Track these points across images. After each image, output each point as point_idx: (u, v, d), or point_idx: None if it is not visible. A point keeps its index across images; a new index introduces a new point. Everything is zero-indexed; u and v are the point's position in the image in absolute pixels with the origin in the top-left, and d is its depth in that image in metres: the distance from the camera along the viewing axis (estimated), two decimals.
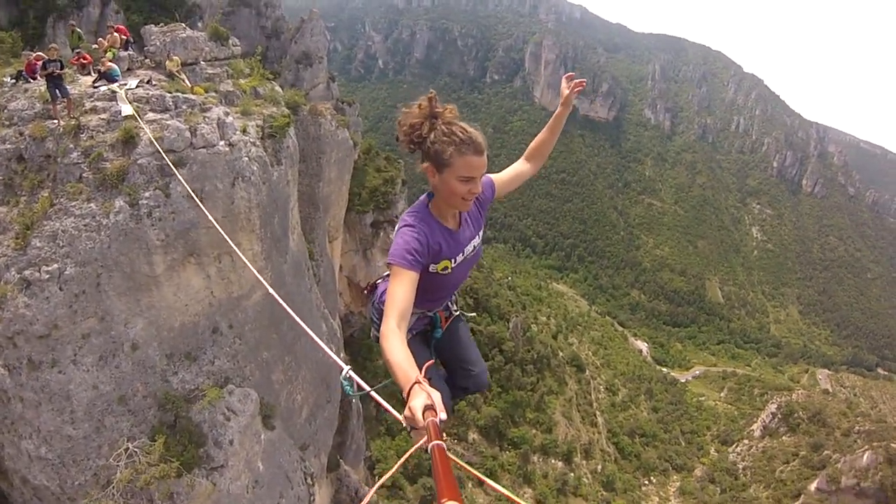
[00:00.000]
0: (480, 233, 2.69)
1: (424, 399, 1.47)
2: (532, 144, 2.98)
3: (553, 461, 49.80)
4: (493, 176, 2.80)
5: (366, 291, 2.94)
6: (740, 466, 60.34)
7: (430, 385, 1.57)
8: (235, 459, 11.49)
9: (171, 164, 9.10)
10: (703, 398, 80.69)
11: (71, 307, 9.34)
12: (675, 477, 60.24)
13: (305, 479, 15.30)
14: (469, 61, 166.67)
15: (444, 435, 1.33)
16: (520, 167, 2.97)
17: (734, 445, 64.99)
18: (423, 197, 2.48)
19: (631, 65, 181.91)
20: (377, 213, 36.75)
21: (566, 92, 2.88)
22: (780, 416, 62.62)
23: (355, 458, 28.20)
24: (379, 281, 2.88)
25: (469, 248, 2.59)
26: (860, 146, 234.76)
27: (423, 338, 2.91)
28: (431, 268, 2.37)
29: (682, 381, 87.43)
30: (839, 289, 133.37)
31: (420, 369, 1.69)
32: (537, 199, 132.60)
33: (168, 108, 11.08)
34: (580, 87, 2.87)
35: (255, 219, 12.46)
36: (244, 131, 12.58)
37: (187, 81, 12.58)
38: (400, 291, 2.06)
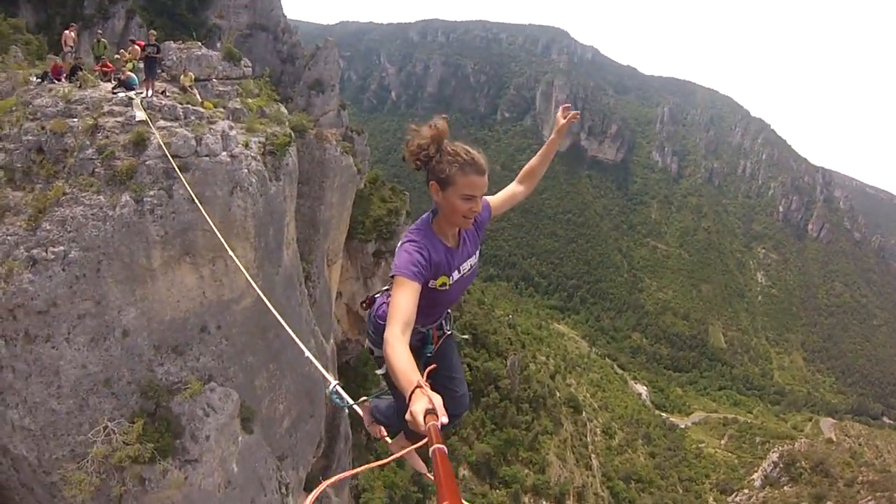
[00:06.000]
0: (477, 252, 2.79)
1: (426, 403, 1.48)
2: (525, 168, 3.13)
3: (544, 503, 48.48)
4: (488, 198, 2.90)
5: (364, 305, 2.99)
6: None
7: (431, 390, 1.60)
8: (210, 456, 11.74)
9: (175, 167, 9.92)
10: (702, 445, 78.93)
11: (71, 287, 10.01)
12: None
13: (280, 487, 15.28)
14: (480, 98, 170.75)
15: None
16: (513, 189, 3.08)
17: (734, 495, 62.75)
18: (425, 215, 2.58)
19: (640, 107, 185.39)
20: (380, 243, 36.98)
21: (561, 122, 3.03)
22: (781, 465, 60.81)
23: (340, 483, 27.92)
24: (377, 295, 2.88)
25: (466, 266, 2.67)
26: (866, 191, 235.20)
27: (414, 353, 2.99)
28: (430, 283, 2.44)
29: (682, 426, 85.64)
30: (844, 335, 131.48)
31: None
32: (542, 239, 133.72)
33: (178, 117, 12.10)
34: (574, 119, 3.03)
35: (250, 227, 13.17)
36: (246, 145, 13.49)
37: (198, 96, 13.59)
38: (404, 301, 2.13)
